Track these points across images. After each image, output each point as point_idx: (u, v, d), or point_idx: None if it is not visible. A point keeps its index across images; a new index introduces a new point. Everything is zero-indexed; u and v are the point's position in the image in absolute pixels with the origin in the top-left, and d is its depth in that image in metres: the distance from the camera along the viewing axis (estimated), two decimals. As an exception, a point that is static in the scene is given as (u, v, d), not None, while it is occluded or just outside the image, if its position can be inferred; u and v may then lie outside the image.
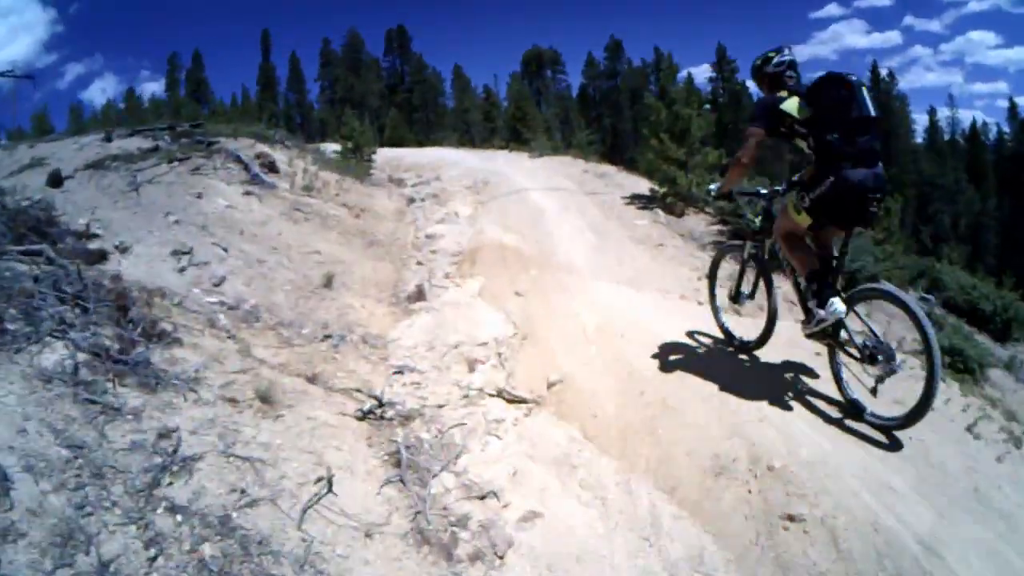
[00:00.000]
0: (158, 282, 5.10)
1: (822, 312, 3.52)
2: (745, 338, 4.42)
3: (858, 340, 3.48)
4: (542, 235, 7.94)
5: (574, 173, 11.86)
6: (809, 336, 3.76)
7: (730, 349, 4.51)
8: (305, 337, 4.99)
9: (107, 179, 7.86)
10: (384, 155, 21.90)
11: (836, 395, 3.74)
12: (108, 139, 10.63)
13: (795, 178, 3.84)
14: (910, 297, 3.74)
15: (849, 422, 3.56)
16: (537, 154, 15.23)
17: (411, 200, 11.01)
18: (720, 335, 4.64)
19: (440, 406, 4.02)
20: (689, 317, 5.14)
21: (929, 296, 8.94)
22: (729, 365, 4.26)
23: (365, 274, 6.87)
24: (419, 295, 6.16)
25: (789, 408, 3.65)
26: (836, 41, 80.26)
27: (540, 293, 5.79)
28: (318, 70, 51.13)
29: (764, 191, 4.22)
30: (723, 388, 3.83)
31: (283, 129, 18.70)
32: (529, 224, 8.45)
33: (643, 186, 10.44)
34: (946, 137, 53.64)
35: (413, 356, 4.78)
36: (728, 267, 5.01)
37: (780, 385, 3.93)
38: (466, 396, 4.12)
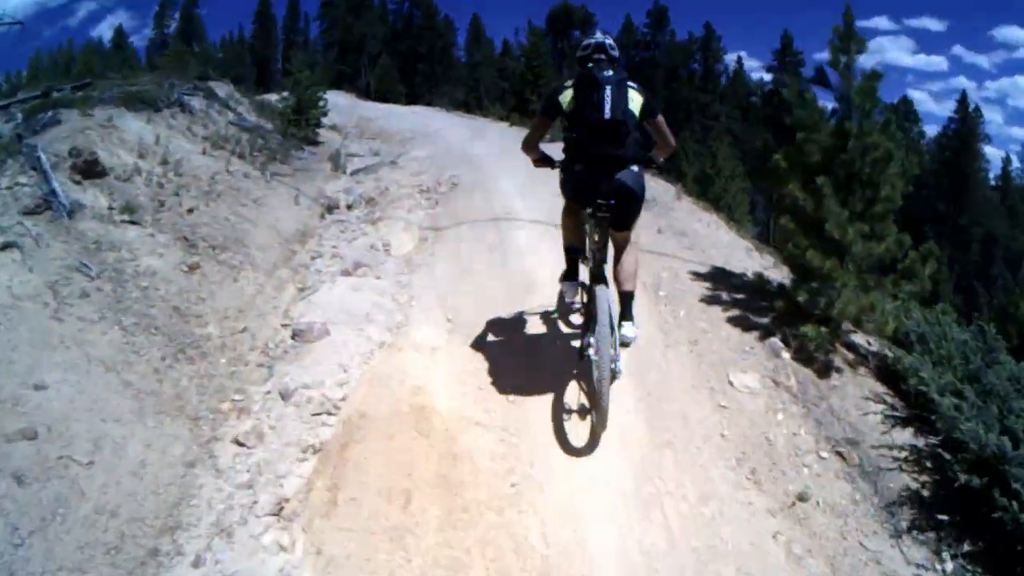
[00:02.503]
0: None
1: (561, 284, 3.84)
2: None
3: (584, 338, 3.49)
4: (525, 375, 3.64)
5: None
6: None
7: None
8: None
9: None
10: (358, 112, 17.62)
11: None
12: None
13: None
14: (602, 303, 3.18)
15: None
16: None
17: (330, 208, 6.77)
18: None
19: None
20: None
21: None
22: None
23: (100, 499, 2.80)
24: None
25: None
26: (879, 54, 75.71)
27: None
28: (319, 9, 45.72)
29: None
30: None
31: (224, 78, 14.44)
32: (502, 320, 4.21)
33: (729, 246, 5.62)
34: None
35: None
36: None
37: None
38: None
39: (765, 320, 4.20)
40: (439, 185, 6.85)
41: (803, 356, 3.91)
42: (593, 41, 3.53)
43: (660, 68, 45.33)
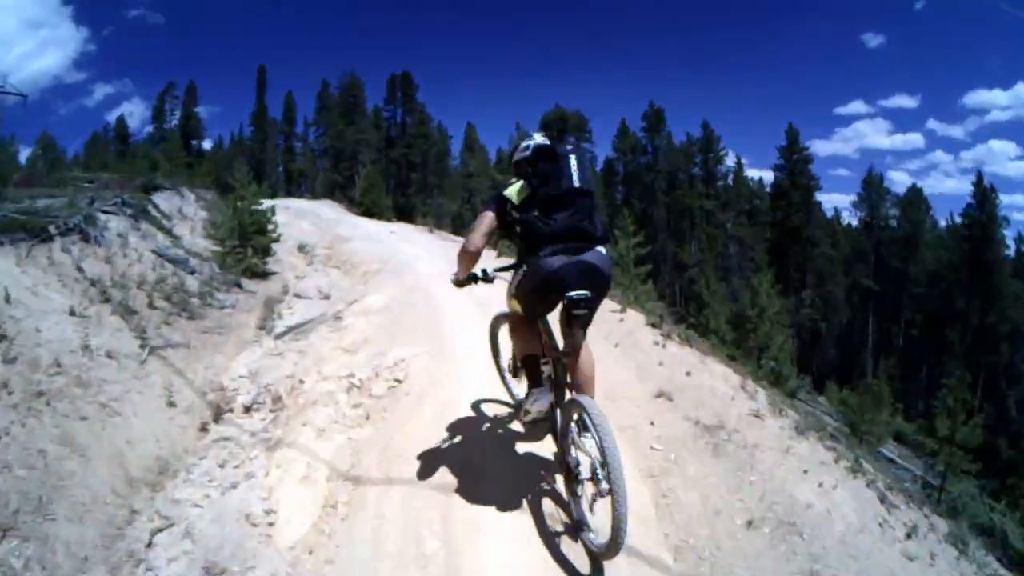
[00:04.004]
0: None
1: (526, 401, 3.15)
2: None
3: (569, 453, 2.93)
4: None
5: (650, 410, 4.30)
6: (527, 425, 3.44)
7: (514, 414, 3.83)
8: None
9: None
10: (335, 230, 15.87)
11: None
12: None
13: None
14: (594, 407, 2.67)
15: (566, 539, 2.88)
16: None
17: (219, 413, 4.66)
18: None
19: None
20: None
21: None
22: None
23: None
24: None
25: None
26: (858, 139, 77.43)
27: None
28: (314, 114, 45.59)
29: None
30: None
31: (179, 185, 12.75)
32: None
33: (864, 526, 3.22)
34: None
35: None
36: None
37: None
38: None
39: None
40: (376, 377, 4.71)
41: None
42: (533, 143, 3.10)
43: (660, 173, 43.60)
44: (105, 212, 8.42)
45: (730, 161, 44.00)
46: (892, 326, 37.58)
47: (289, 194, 37.81)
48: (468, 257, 3.09)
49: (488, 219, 3.00)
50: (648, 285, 10.81)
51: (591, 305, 2.83)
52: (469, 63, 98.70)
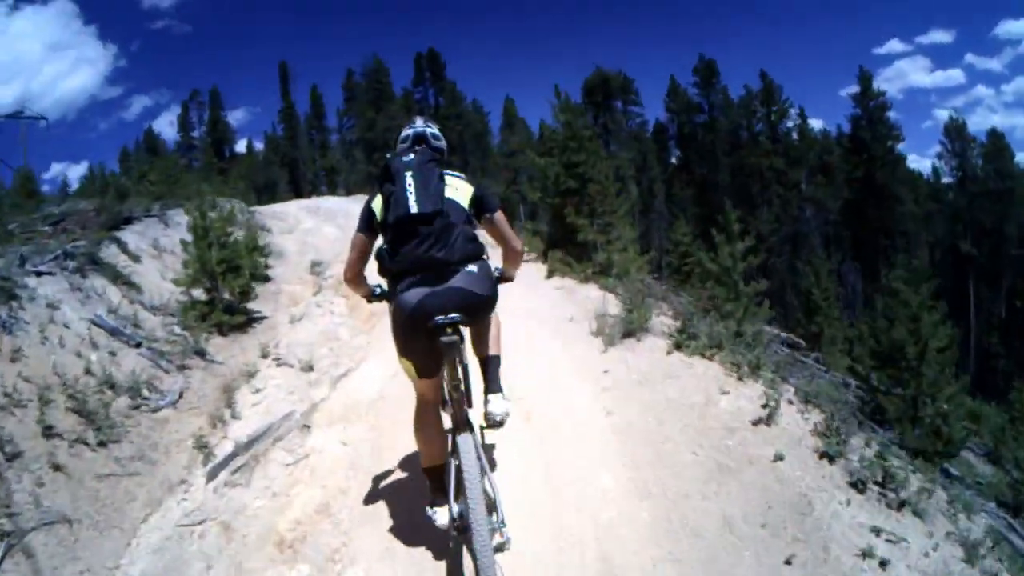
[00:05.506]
0: None
1: (429, 512, 2.78)
2: None
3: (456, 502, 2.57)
4: None
5: None
6: None
7: None
8: None
9: None
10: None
11: None
12: None
13: None
14: (466, 450, 2.43)
15: None
16: (624, 331, 5.57)
17: None
18: None
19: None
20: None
21: None
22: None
23: None
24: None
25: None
26: (901, 79, 72.77)
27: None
28: (343, 105, 42.91)
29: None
30: None
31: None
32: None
33: None
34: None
35: None
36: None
37: None
38: None
39: None
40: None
41: None
42: (412, 132, 2.85)
43: (719, 133, 38.70)
44: (40, 274, 6.43)
45: (793, 113, 39.01)
46: (989, 293, 32.72)
47: (328, 191, 36.23)
48: (350, 287, 2.82)
49: (359, 242, 2.68)
50: (764, 307, 7.59)
51: (470, 323, 2.49)
52: (498, 30, 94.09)
